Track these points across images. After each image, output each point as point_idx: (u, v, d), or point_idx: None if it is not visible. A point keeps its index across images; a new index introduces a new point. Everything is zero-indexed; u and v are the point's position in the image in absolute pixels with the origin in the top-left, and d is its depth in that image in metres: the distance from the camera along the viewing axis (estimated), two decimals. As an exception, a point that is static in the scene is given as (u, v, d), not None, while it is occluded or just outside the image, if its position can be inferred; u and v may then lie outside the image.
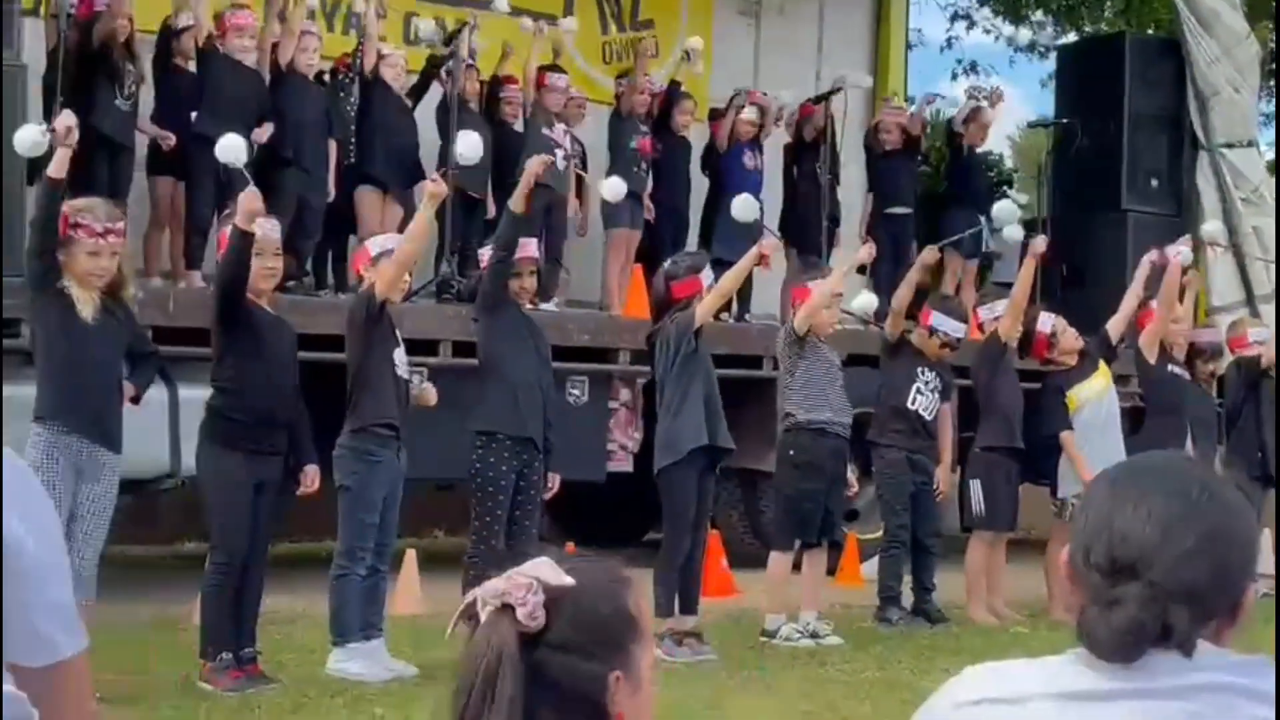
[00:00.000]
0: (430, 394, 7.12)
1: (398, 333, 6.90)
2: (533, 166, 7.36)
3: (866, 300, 9.42)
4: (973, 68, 21.22)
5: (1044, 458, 9.05)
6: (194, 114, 9.21)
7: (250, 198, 6.18)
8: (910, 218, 12.17)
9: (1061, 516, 9.00)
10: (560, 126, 10.66)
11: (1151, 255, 9.55)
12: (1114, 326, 9.31)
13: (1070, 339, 9.21)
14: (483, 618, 1.66)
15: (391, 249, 6.79)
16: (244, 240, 6.19)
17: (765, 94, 11.91)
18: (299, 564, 9.77)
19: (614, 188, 9.25)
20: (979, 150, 12.91)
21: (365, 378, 6.68)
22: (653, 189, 11.33)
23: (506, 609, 1.66)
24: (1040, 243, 9.08)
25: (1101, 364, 9.18)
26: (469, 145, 7.66)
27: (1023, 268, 8.98)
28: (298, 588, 8.17)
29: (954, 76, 21.47)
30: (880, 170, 12.24)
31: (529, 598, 1.66)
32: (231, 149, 6.66)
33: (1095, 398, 9.06)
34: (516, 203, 7.18)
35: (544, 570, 1.71)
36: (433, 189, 6.81)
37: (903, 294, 8.64)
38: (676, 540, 7.58)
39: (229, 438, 6.39)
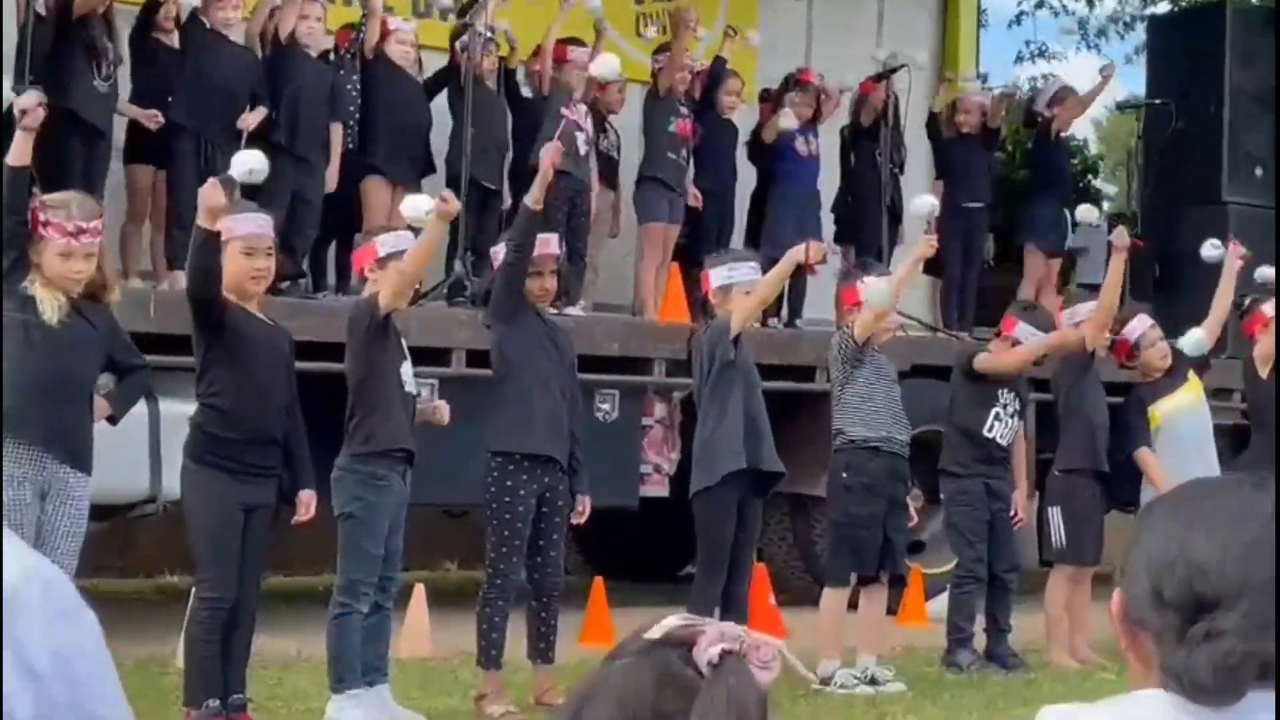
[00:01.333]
0: (443, 412, 7.11)
1: (404, 344, 6.91)
2: (547, 158, 7.33)
3: (927, 205, 8.88)
4: (1041, 53, 21.14)
5: (1128, 480, 9.00)
6: (171, 99, 9.25)
7: (210, 192, 6.09)
8: (984, 211, 12.14)
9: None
10: (582, 106, 10.64)
11: (1239, 251, 9.41)
12: (1208, 334, 9.25)
13: (1155, 356, 9.10)
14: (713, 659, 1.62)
15: (403, 250, 6.78)
16: (206, 241, 6.15)
17: (821, 76, 11.88)
18: (295, 600, 9.80)
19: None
20: (1064, 135, 12.88)
21: (369, 396, 6.68)
22: (693, 177, 11.32)
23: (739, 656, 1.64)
24: (1121, 234, 9.00)
25: (1191, 375, 9.12)
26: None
27: (1110, 265, 8.94)
28: (293, 627, 8.19)
29: (1018, 60, 21.39)
30: (951, 158, 12.21)
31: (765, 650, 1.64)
32: (246, 165, 6.50)
33: (1182, 413, 9.01)
34: (533, 198, 7.18)
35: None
36: (443, 209, 6.75)
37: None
38: (711, 574, 7.57)
39: (216, 458, 6.40)
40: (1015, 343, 8.73)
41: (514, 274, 7.14)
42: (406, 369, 6.84)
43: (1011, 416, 8.70)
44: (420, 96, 10.22)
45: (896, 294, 8.19)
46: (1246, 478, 1.75)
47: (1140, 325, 9.25)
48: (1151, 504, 1.75)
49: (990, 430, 8.64)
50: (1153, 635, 1.66)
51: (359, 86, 10.07)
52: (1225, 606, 1.61)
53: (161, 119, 9.20)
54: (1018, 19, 20.86)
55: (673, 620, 1.64)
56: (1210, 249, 9.78)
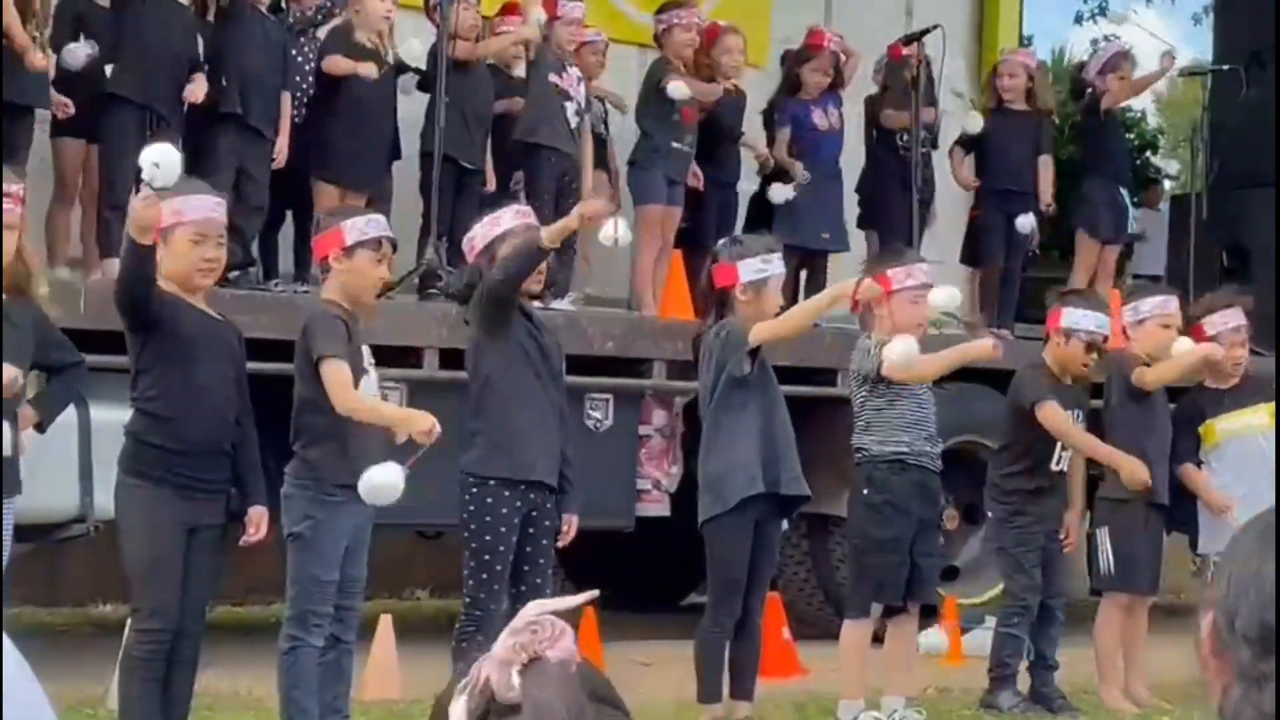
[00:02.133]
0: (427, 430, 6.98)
1: (366, 353, 6.89)
2: (589, 209, 7.32)
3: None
4: (1102, 10, 21.15)
5: (1181, 499, 8.96)
6: (109, 67, 9.24)
7: (149, 212, 6.04)
8: (1029, 195, 12.09)
9: (1201, 577, 8.92)
10: (574, 71, 10.63)
11: None
12: None
13: (1226, 362, 8.99)
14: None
15: (374, 236, 6.75)
16: (140, 254, 6.14)
17: (839, 37, 11.86)
18: (245, 633, 9.79)
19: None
20: (1119, 108, 12.88)
21: (322, 407, 6.58)
22: (695, 154, 11.30)
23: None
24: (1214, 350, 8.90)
25: (1269, 403, 8.97)
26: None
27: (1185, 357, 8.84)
28: (243, 663, 8.18)
29: (1079, 20, 21.39)
30: (993, 132, 12.15)
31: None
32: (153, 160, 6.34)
33: (1249, 435, 8.90)
34: (549, 237, 7.14)
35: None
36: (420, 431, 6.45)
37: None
38: (723, 606, 7.58)
39: (155, 471, 6.39)
40: (1068, 334, 8.56)
41: (506, 290, 7.10)
42: (366, 385, 6.81)
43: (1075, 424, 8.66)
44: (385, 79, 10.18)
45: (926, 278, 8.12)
46: None
47: (1224, 321, 9.05)
48: (1250, 521, 1.74)
49: (1058, 458, 8.59)
50: (1228, 668, 1.66)
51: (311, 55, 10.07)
52: None
53: (72, 108, 9.13)
54: None
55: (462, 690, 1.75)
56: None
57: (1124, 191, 12.51)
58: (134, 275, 6.22)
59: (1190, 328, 8.99)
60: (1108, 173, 12.45)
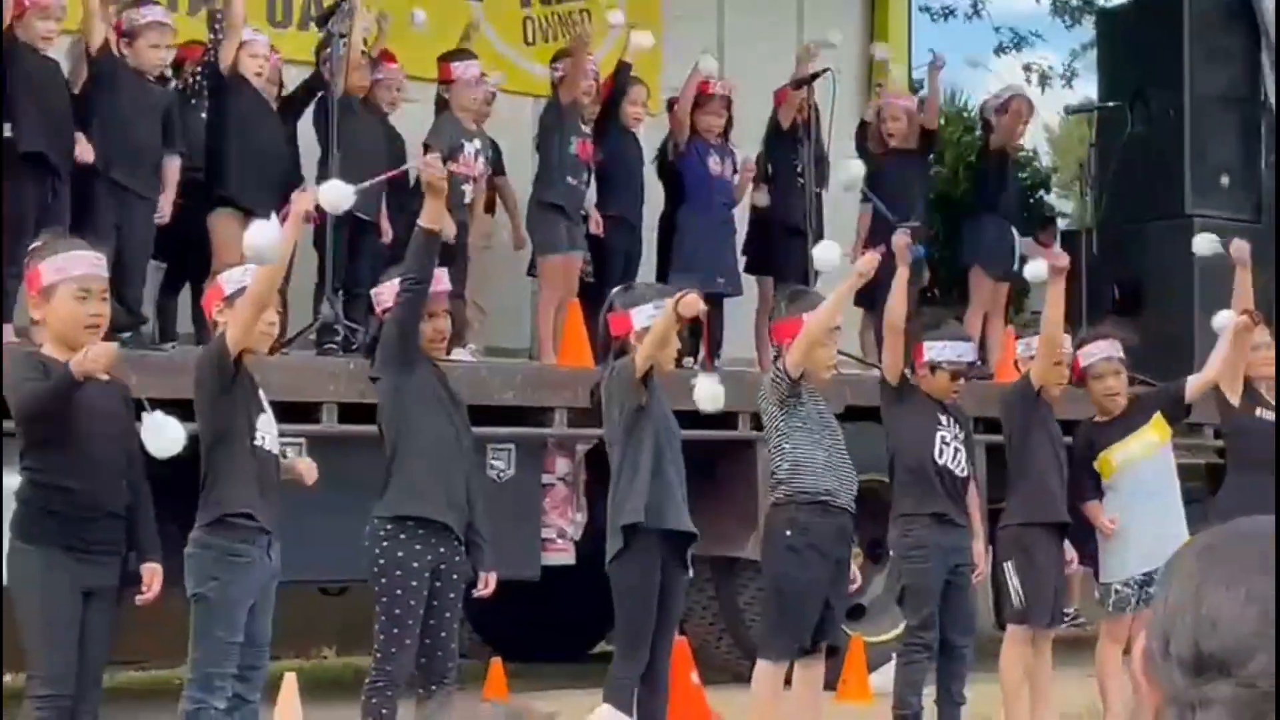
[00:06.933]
0: (306, 468, 7.01)
1: (262, 395, 6.82)
2: (427, 172, 7.25)
3: (827, 250, 8.55)
4: (1017, 45, 21.30)
5: (1082, 532, 8.98)
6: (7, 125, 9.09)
7: (107, 355, 6.16)
8: (921, 232, 12.12)
9: (1104, 606, 8.95)
10: (473, 145, 10.61)
11: (1244, 314, 9.22)
12: (1194, 385, 9.14)
13: (1098, 391, 8.98)
14: None
15: (75, 275, 6.54)
16: (68, 390, 6.16)
17: (724, 83, 11.86)
18: (147, 697, 9.64)
19: (825, 256, 8.49)
20: (1011, 146, 12.97)
21: (220, 455, 6.60)
22: (598, 202, 11.29)
23: None
24: (1062, 255, 8.95)
25: (1156, 417, 9.05)
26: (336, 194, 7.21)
27: (1049, 290, 8.85)
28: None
29: (999, 50, 21.54)
30: (883, 173, 12.23)
31: None
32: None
33: (1138, 460, 8.94)
34: (428, 217, 7.11)
35: None
36: (295, 209, 6.72)
37: (898, 308, 8.47)
38: (631, 652, 7.50)
39: (49, 535, 6.31)
40: (934, 367, 8.63)
41: (412, 312, 7.06)
42: (265, 423, 6.75)
43: (961, 443, 8.61)
44: (273, 117, 10.12)
45: (839, 317, 8.14)
46: None
47: (1099, 351, 9.08)
48: (1187, 543, 1.70)
49: (941, 456, 8.53)
50: (1161, 692, 1.63)
51: (209, 108, 9.98)
52: (1230, 671, 1.57)
53: None
54: (975, 9, 21.02)
55: None
56: (1205, 243, 9.69)
57: (1014, 229, 12.61)
58: (53, 405, 6.21)
59: (1073, 361, 9.06)
60: (999, 210, 12.56)
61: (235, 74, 9.87)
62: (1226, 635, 1.58)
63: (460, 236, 10.39)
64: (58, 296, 6.32)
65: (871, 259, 8.36)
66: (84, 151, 9.14)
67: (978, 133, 12.89)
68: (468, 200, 10.56)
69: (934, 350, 8.59)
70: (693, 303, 7.45)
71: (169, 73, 9.95)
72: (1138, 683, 1.70)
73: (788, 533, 7.98)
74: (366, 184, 7.79)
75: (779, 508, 8.01)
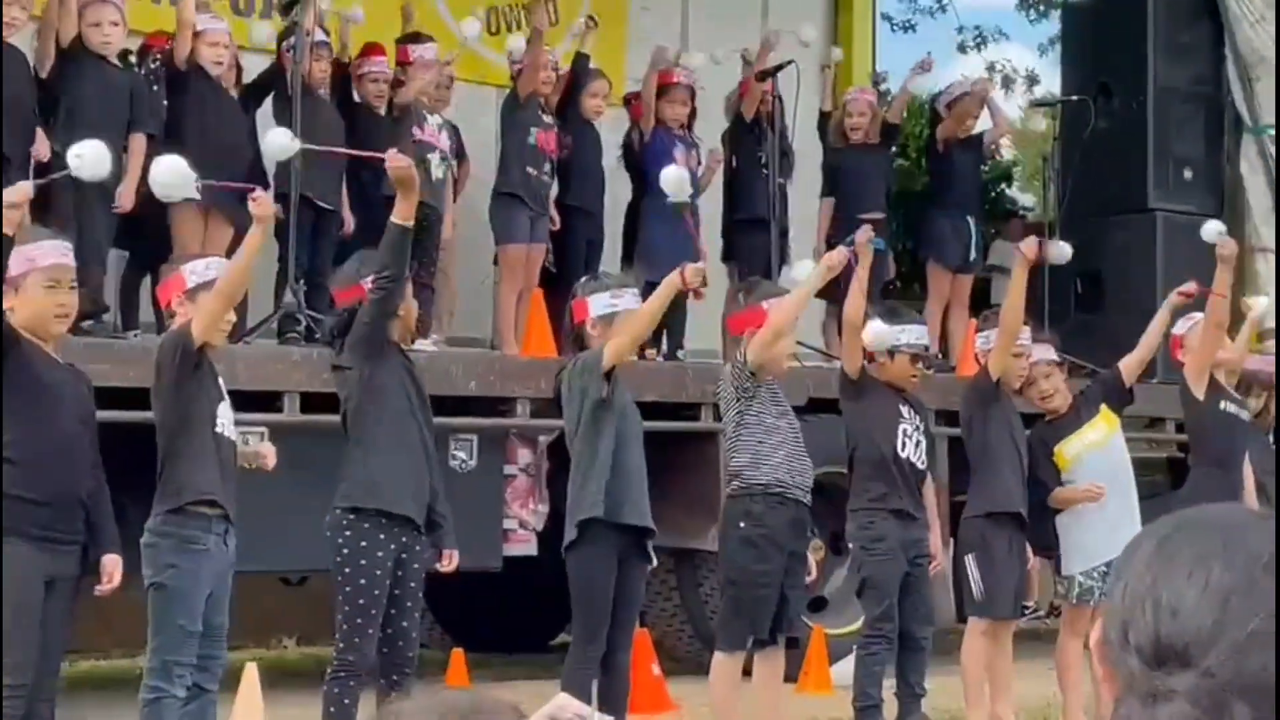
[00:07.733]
0: (266, 452, 7.00)
1: (221, 383, 6.81)
2: (392, 163, 7.21)
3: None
4: (981, 41, 21.34)
5: (1043, 524, 9.00)
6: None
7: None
8: (883, 225, 12.18)
9: (1068, 598, 8.98)
10: (435, 119, 10.60)
11: (1188, 287, 9.36)
12: (1128, 366, 9.22)
13: (1034, 395, 9.03)
14: None
15: (214, 279, 6.70)
16: None
17: (689, 72, 11.88)
18: (107, 686, 9.61)
19: (674, 181, 8.70)
20: (965, 139, 12.97)
21: (179, 443, 6.57)
22: (558, 194, 11.29)
23: None
24: (1030, 244, 8.98)
25: (1103, 409, 9.08)
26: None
27: (1012, 279, 8.88)
28: (106, 716, 8.02)
29: (963, 49, 21.56)
30: (845, 167, 12.26)
31: None
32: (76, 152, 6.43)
33: (1090, 452, 8.97)
34: (400, 214, 7.07)
35: None
36: (257, 211, 6.67)
37: (856, 303, 8.50)
38: (588, 642, 7.50)
39: (13, 523, 6.26)
40: (892, 352, 8.63)
41: (387, 305, 7.06)
42: (224, 411, 6.74)
43: (921, 434, 8.64)
44: (233, 106, 10.06)
45: (802, 306, 8.17)
46: (1259, 512, 1.70)
47: (1034, 355, 9.08)
48: (1146, 530, 1.69)
49: (903, 449, 8.56)
50: (1119, 682, 1.61)
51: (166, 100, 9.91)
52: (1191, 661, 1.56)
53: None
54: (940, 5, 21.03)
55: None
56: (1213, 231, 9.78)
57: (970, 220, 12.62)
58: None
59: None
60: (952, 202, 12.57)
61: (193, 64, 9.82)
62: (1187, 624, 1.56)
63: (427, 214, 10.35)
64: (27, 286, 6.31)
65: (840, 254, 8.41)
66: (42, 149, 9.06)
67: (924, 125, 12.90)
68: (437, 176, 10.48)
69: (891, 334, 8.58)
70: (699, 270, 7.53)
71: (133, 58, 9.91)
72: (1095, 671, 1.68)
73: (742, 524, 7.99)
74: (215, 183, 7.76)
75: (735, 499, 8.03)
